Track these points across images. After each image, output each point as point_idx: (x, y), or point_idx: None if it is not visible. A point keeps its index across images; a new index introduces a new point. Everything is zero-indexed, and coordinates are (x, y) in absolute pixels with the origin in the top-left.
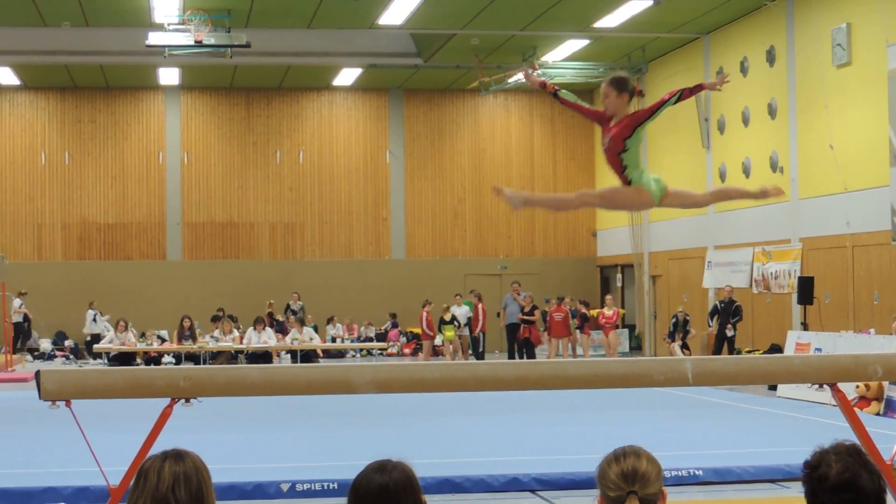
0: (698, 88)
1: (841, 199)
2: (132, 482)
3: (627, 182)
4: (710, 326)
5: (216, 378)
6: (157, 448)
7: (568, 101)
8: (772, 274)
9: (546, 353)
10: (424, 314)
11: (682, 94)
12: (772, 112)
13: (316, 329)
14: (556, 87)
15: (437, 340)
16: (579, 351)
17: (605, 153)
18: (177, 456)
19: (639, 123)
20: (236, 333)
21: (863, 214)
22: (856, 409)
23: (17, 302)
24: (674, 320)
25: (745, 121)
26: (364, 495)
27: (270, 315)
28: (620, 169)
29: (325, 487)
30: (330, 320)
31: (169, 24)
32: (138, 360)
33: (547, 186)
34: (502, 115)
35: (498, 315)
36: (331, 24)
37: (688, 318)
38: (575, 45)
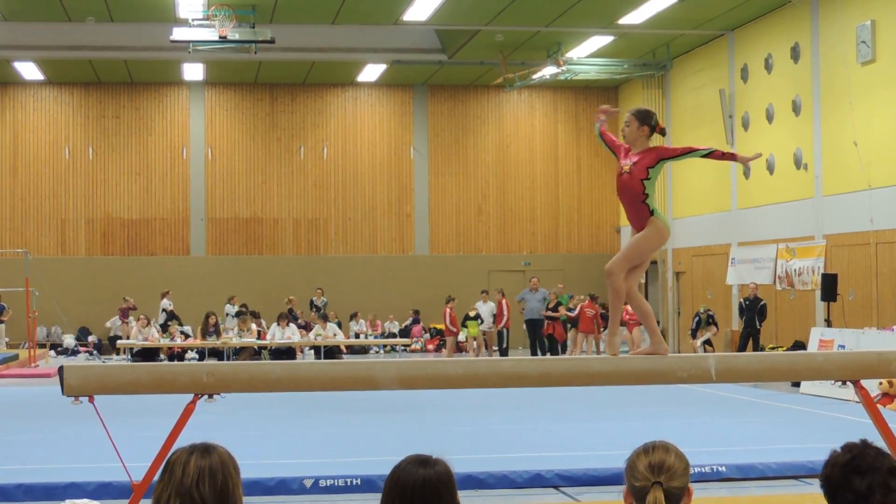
0: (731, 157)
1: (865, 196)
2: (159, 474)
3: (649, 211)
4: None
5: (239, 374)
6: (178, 445)
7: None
8: (795, 271)
9: (569, 349)
10: (448, 310)
11: (713, 153)
12: (796, 109)
13: (339, 325)
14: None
15: (461, 336)
16: (602, 348)
17: (621, 178)
18: (204, 449)
19: (665, 158)
20: (254, 328)
21: (887, 211)
22: (879, 406)
23: (165, 302)
24: (696, 319)
25: (770, 117)
26: (405, 488)
27: (290, 311)
28: (642, 196)
29: (349, 483)
30: (353, 316)
31: (193, 20)
32: (162, 356)
33: (571, 183)
34: (526, 112)
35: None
36: (355, 20)
37: (711, 313)
38: (599, 41)
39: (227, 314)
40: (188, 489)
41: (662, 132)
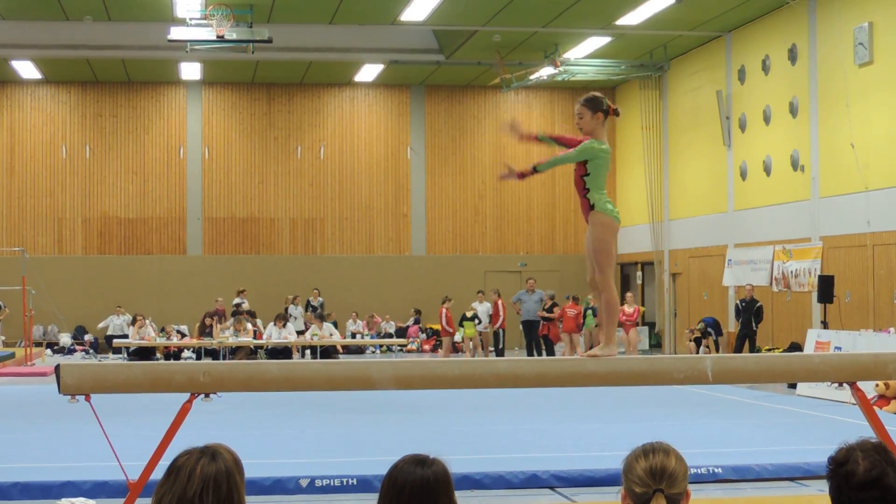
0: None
1: (862, 198)
2: (164, 475)
3: (589, 205)
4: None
5: (236, 373)
6: (175, 444)
7: (549, 139)
8: (792, 272)
9: (563, 349)
10: (444, 310)
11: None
12: (793, 110)
13: (336, 325)
14: (536, 135)
15: (457, 337)
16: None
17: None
18: (212, 455)
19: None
20: (250, 328)
21: (883, 213)
22: (875, 408)
23: (237, 300)
24: (699, 332)
25: (767, 119)
26: (402, 487)
27: (287, 311)
28: (583, 191)
29: (345, 483)
30: (350, 316)
31: (191, 19)
32: (158, 356)
33: (567, 184)
34: (524, 112)
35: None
36: (353, 20)
37: (710, 331)
38: (597, 42)
39: (291, 315)
40: (190, 499)
41: (616, 113)
